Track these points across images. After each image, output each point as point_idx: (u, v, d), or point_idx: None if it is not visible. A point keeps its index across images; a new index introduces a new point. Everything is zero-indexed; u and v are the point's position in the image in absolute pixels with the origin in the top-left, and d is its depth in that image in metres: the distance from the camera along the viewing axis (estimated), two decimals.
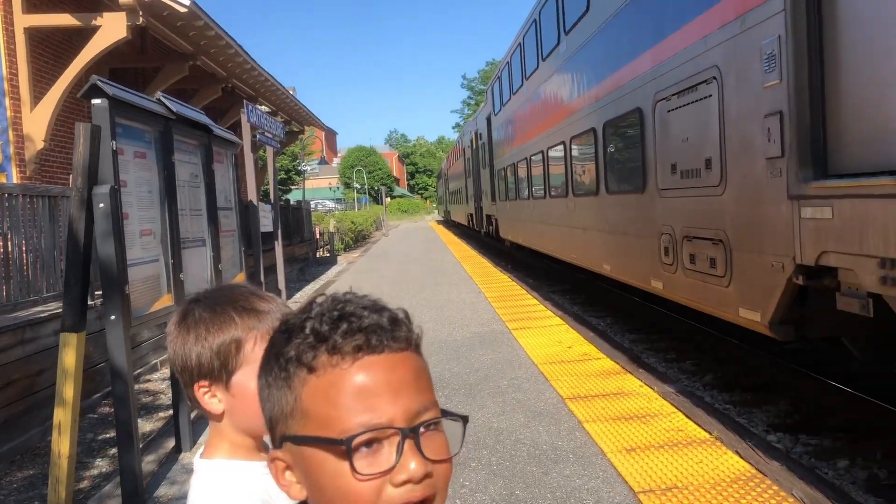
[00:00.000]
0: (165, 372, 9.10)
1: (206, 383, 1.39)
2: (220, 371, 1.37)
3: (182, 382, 1.44)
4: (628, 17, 8.36)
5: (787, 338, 5.32)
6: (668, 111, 7.11)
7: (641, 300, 12.07)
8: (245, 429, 1.39)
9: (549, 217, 14.26)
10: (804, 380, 7.28)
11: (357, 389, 0.85)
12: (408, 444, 0.83)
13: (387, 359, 0.87)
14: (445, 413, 0.90)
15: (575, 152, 11.67)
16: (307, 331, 0.88)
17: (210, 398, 1.39)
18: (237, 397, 1.38)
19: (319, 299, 0.94)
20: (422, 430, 0.85)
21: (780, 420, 6.59)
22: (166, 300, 6.08)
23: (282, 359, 0.90)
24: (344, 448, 0.82)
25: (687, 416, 5.74)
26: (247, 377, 1.34)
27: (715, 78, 5.96)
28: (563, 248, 13.34)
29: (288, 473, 0.92)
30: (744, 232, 5.67)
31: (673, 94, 6.95)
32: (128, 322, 4.95)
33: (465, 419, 0.91)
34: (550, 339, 9.06)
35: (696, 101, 6.42)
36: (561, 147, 12.53)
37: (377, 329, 0.88)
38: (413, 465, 0.83)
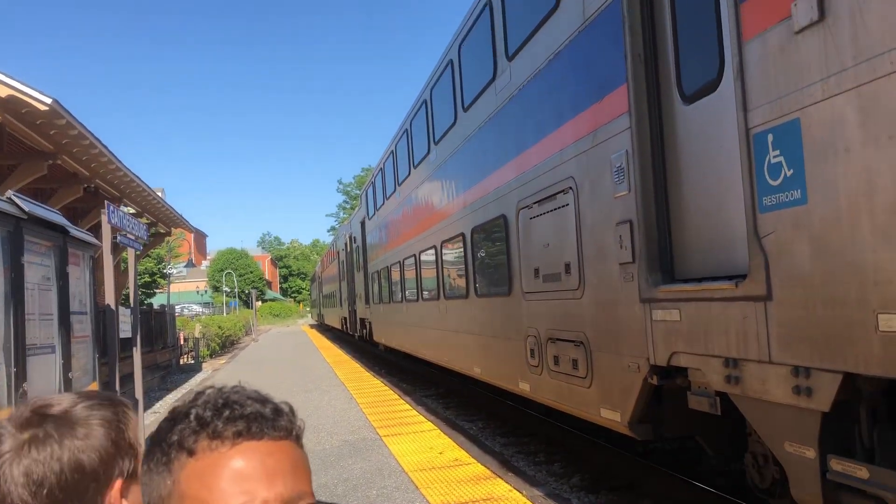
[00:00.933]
0: None
1: None
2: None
3: None
4: (493, 129, 8.79)
5: (646, 437, 5.49)
6: (531, 218, 7.43)
7: (514, 403, 12.19)
8: None
9: (421, 320, 14.33)
10: (666, 478, 7.48)
11: (234, 473, 0.87)
12: None
13: (266, 445, 0.90)
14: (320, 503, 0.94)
15: (446, 256, 11.91)
16: (191, 417, 0.91)
17: None
18: None
19: (208, 390, 0.97)
20: None
21: None
22: (4, 415, 5.59)
23: (164, 444, 0.92)
24: None
25: None
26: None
27: (571, 188, 6.31)
28: (435, 351, 13.38)
29: None
30: (602, 333, 5.91)
31: (534, 203, 7.29)
32: None
33: None
34: (422, 444, 8.94)
35: (555, 209, 6.76)
36: (432, 251, 12.77)
37: (258, 417, 0.92)
38: None
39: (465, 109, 9.99)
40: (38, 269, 6.67)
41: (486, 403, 13.36)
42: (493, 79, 8.54)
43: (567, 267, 6.51)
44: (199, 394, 0.96)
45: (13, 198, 6.17)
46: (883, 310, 3.08)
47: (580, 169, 6.14)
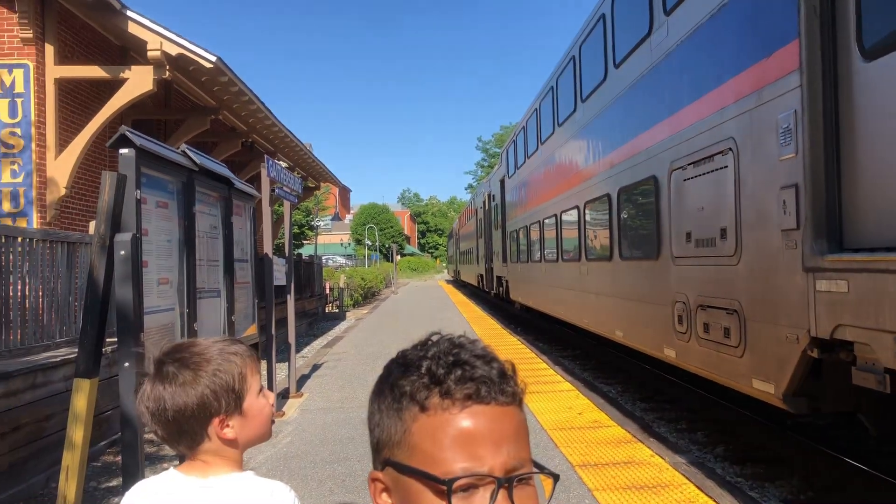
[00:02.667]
0: None
1: (222, 417, 1.62)
2: (236, 401, 1.63)
3: (183, 430, 1.62)
4: (645, 87, 8.51)
5: (801, 411, 5.26)
6: (684, 180, 7.18)
7: (653, 367, 11.97)
8: (249, 444, 1.70)
9: (560, 281, 14.27)
10: (818, 455, 7.15)
11: (463, 436, 0.90)
12: (501, 493, 0.89)
13: (493, 411, 0.93)
14: (539, 468, 0.96)
15: (589, 217, 11.75)
16: (423, 370, 0.94)
17: (227, 429, 1.63)
18: (249, 417, 1.66)
19: (435, 338, 1.01)
20: (515, 482, 0.90)
21: (793, 495, 6.46)
22: None
23: (396, 391, 0.96)
24: (444, 488, 0.88)
25: (699, 487, 5.64)
26: (252, 398, 1.68)
27: (731, 149, 6.04)
28: (574, 313, 13.31)
29: (384, 495, 0.98)
30: (758, 302, 5.67)
31: (689, 164, 7.03)
32: (141, 370, 4.95)
33: (556, 477, 0.97)
34: (560, 404, 8.98)
35: (712, 171, 6.50)
36: (575, 211, 12.62)
37: (487, 381, 0.93)
38: None
39: (617, 66, 9.72)
40: (206, 218, 7.14)
41: (625, 366, 13.19)
42: (649, 34, 8.23)
43: (723, 232, 6.26)
44: (428, 342, 1.00)
45: (186, 151, 6.60)
46: None
47: (742, 129, 5.85)
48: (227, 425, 1.63)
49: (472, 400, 0.92)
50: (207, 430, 1.62)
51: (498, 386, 0.94)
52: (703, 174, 6.71)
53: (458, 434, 0.90)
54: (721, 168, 6.29)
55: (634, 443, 7.04)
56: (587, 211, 11.80)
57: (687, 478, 5.88)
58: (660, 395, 10.78)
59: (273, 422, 1.80)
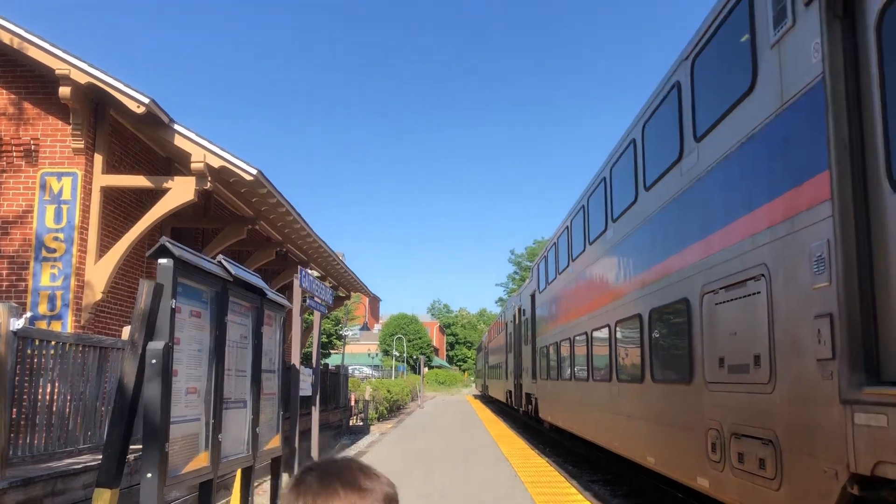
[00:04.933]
0: None
1: None
2: None
3: None
4: (676, 210, 8.61)
5: None
6: (716, 304, 7.13)
7: (685, 495, 11.50)
8: None
9: (591, 401, 13.99)
10: None
11: None
12: None
13: None
14: None
15: (620, 336, 11.64)
16: None
17: None
18: None
19: None
20: None
21: None
22: (202, 460, 6.03)
23: None
24: None
25: None
26: None
27: (763, 276, 6.02)
28: (605, 435, 12.97)
29: None
30: (795, 433, 5.50)
31: (721, 287, 7.00)
32: (163, 480, 4.90)
33: None
34: None
35: (745, 296, 6.46)
36: (606, 330, 12.52)
37: None
38: None
39: (647, 189, 9.87)
40: (237, 328, 7.21)
41: (657, 495, 12.69)
42: (679, 159, 8.40)
43: (756, 359, 6.16)
44: None
45: (223, 261, 6.75)
46: None
47: (774, 256, 5.85)
48: None
49: None
50: None
51: None
52: (736, 299, 6.66)
53: None
54: (754, 294, 6.25)
55: None
56: (618, 330, 11.70)
57: None
58: None
59: None
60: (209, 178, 11.91)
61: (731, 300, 6.77)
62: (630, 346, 10.91)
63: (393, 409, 38.30)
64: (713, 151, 7.32)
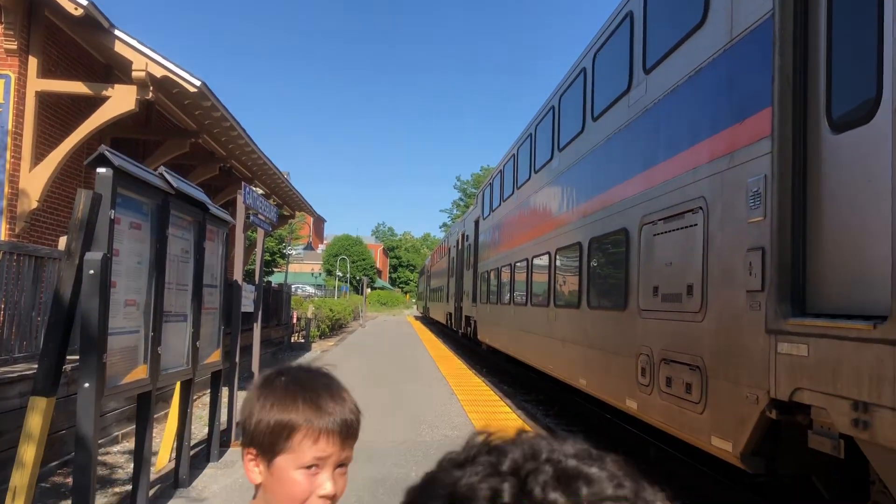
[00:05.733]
0: (126, 445, 8.87)
1: (254, 452, 1.44)
2: (268, 447, 1.41)
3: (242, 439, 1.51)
4: (621, 141, 8.70)
5: (758, 470, 5.32)
6: (654, 234, 7.31)
7: (613, 417, 12.00)
8: None
9: (528, 325, 14.33)
10: None
11: None
12: None
13: None
14: None
15: (559, 264, 11.87)
16: (506, 497, 0.57)
17: (253, 466, 1.45)
18: (274, 478, 1.42)
19: (480, 443, 0.65)
20: None
21: None
22: (140, 372, 6.03)
23: None
24: None
25: None
26: (287, 463, 1.40)
27: (701, 208, 6.18)
28: (540, 357, 13.35)
29: None
30: (721, 360, 5.76)
31: (659, 219, 7.17)
32: (101, 391, 4.89)
33: None
34: None
35: (682, 228, 6.63)
36: (546, 257, 12.74)
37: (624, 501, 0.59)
38: None
39: (595, 119, 9.92)
40: (179, 241, 7.10)
41: (587, 415, 13.20)
42: (628, 90, 8.44)
43: (689, 288, 6.38)
44: (483, 449, 0.64)
45: (164, 173, 6.59)
46: None
47: (713, 190, 6.00)
48: (255, 464, 1.45)
49: None
50: (244, 455, 1.48)
51: None
52: (673, 230, 6.84)
53: None
54: (691, 226, 6.42)
55: None
56: (558, 258, 11.92)
57: None
58: (620, 447, 10.79)
59: None
60: (151, 88, 11.46)
61: (669, 231, 6.95)
62: (569, 273, 11.15)
63: (335, 328, 38.57)
64: (661, 84, 7.37)
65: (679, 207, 6.69)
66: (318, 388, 1.47)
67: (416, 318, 65.44)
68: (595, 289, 9.66)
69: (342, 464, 1.45)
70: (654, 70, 7.63)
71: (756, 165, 5.27)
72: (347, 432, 1.45)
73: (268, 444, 1.41)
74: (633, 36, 8.36)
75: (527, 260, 14.60)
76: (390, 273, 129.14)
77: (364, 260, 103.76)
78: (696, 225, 6.31)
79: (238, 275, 9.91)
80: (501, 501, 0.56)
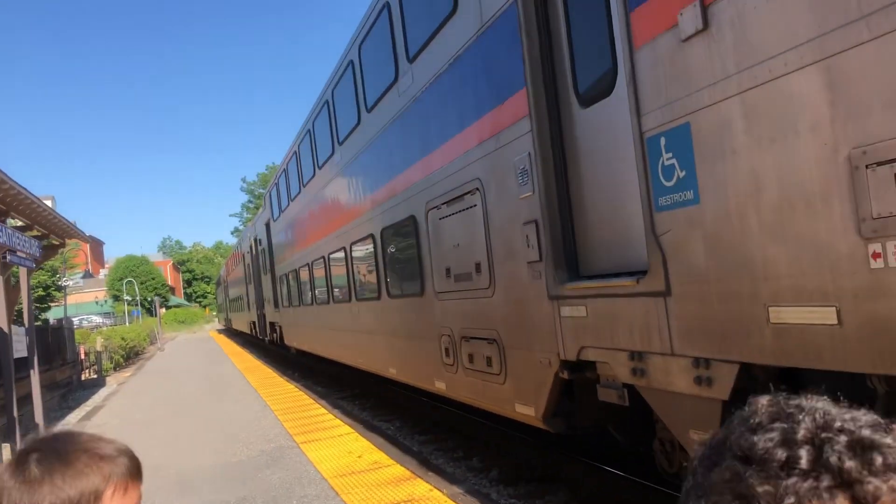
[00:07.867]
0: None
1: None
2: None
3: None
4: (398, 130, 8.81)
5: (559, 430, 5.66)
6: (440, 219, 7.50)
7: (429, 400, 12.27)
8: None
9: (334, 322, 14.22)
10: (579, 466, 7.71)
11: None
12: None
13: None
14: None
15: (356, 257, 11.87)
16: (805, 463, 0.61)
17: None
18: None
19: (793, 403, 0.69)
20: None
21: None
22: None
23: None
24: None
25: None
26: None
27: (478, 189, 6.42)
28: (349, 353, 13.32)
29: None
30: (514, 331, 6.04)
31: (443, 203, 7.36)
32: None
33: None
34: (340, 449, 8.91)
35: (464, 210, 6.86)
36: (342, 252, 12.69)
37: None
38: None
39: (369, 110, 9.97)
40: None
41: (403, 402, 13.40)
42: (396, 80, 8.55)
43: (477, 266, 6.62)
44: (790, 414, 0.67)
45: None
46: (773, 303, 3.29)
47: (486, 171, 6.24)
48: None
49: None
50: None
51: None
52: (456, 213, 7.06)
53: None
54: (471, 207, 6.65)
55: (414, 479, 7.16)
56: (354, 251, 11.91)
57: None
58: (437, 427, 11.07)
59: None
60: None
61: (453, 214, 7.15)
62: (366, 266, 11.18)
63: (130, 356, 36.11)
64: (426, 72, 7.54)
65: (458, 190, 6.90)
66: (90, 439, 1.33)
67: (220, 331, 62.90)
68: (392, 278, 9.76)
69: None
70: (417, 59, 7.78)
71: (520, 144, 5.54)
72: (139, 468, 1.33)
73: None
74: (393, 26, 8.47)
75: (323, 258, 14.46)
76: (184, 288, 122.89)
77: (154, 279, 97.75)
78: (475, 206, 6.55)
79: (2, 320, 8.96)
80: (798, 467, 0.61)
